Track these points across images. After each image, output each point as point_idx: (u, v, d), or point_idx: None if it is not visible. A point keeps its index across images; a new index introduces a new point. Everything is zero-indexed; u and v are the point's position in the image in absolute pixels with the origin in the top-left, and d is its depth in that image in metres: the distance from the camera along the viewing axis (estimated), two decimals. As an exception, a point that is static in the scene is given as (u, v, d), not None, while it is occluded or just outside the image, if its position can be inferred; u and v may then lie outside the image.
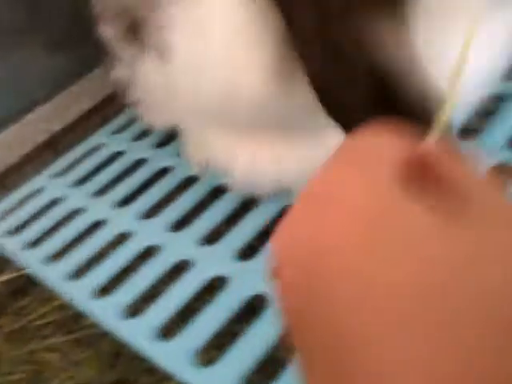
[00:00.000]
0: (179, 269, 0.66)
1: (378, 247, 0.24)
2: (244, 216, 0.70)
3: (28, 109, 0.98)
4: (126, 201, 0.80)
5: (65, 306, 0.75)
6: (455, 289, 0.23)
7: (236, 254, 0.66)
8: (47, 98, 1.01)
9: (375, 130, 0.31)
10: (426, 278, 0.23)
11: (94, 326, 0.71)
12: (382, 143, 0.30)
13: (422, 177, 0.29)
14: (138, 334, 0.60)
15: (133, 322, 0.62)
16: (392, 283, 0.23)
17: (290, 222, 0.28)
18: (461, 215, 0.26)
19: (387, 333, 0.22)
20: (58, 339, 0.74)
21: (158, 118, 0.82)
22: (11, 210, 0.86)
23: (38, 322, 0.77)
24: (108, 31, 0.75)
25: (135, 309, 0.64)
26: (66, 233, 0.77)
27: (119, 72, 0.78)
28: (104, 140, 0.96)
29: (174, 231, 0.72)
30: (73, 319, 0.75)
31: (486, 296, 0.23)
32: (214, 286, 0.63)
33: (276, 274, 0.27)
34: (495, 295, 0.23)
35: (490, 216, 0.27)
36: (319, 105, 0.46)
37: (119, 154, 0.91)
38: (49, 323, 0.77)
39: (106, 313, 0.63)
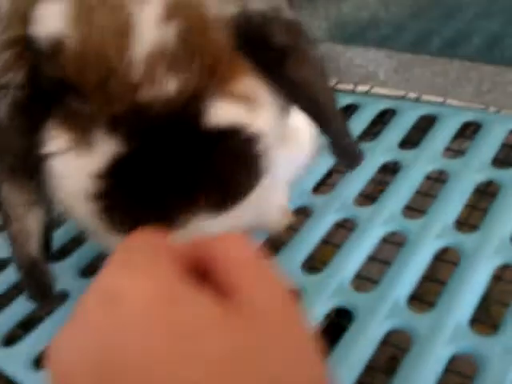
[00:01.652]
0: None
1: (164, 342, 0.24)
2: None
3: None
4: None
5: None
6: (242, 377, 0.24)
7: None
8: None
9: (147, 232, 0.34)
10: (213, 367, 0.24)
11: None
12: (157, 242, 0.32)
13: (199, 269, 0.31)
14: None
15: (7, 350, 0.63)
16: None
17: (75, 328, 0.27)
18: (240, 306, 0.27)
19: None
20: None
21: None
22: None
23: None
24: None
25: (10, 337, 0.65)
26: None
27: None
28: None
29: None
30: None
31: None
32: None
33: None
34: (278, 381, 0.25)
35: (268, 308, 0.28)
36: None
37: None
38: None
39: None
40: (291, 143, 0.63)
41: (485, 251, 0.61)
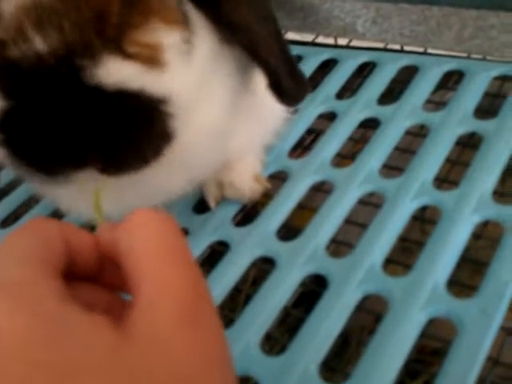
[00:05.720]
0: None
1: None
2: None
3: None
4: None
5: None
6: None
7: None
8: None
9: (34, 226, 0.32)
10: None
11: None
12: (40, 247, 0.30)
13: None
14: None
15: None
16: None
17: None
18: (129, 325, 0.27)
19: None
20: None
21: None
22: None
23: None
24: None
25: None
26: None
27: None
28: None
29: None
30: None
31: None
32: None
33: None
34: None
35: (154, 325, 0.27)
36: None
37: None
38: None
39: None
40: (259, 108, 0.60)
41: (464, 209, 0.58)
